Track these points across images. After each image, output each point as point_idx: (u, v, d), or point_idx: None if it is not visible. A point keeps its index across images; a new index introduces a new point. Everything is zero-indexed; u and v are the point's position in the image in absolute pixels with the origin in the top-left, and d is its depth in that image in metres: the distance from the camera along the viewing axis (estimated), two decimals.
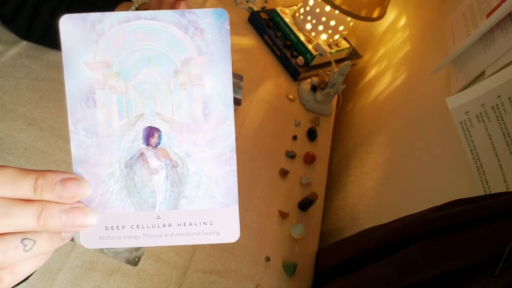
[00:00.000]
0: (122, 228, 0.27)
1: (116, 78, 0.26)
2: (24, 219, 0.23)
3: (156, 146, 0.27)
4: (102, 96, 0.26)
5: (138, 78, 0.26)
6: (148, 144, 0.27)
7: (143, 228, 0.27)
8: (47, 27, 0.70)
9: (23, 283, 0.33)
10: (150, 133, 0.27)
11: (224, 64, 0.26)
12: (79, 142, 0.26)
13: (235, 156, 0.27)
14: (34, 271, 0.33)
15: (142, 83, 0.26)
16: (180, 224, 0.27)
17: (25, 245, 0.23)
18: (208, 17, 0.26)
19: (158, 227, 0.27)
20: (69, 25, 0.25)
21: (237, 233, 0.28)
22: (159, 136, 0.27)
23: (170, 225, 0.27)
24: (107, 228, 0.27)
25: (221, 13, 0.26)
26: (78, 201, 0.25)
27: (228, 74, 0.27)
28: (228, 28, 0.26)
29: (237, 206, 0.28)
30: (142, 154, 0.27)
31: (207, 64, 0.26)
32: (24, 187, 0.23)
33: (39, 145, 0.65)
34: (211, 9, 0.26)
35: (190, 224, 0.27)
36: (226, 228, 0.28)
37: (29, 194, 0.23)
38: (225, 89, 0.27)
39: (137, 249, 0.64)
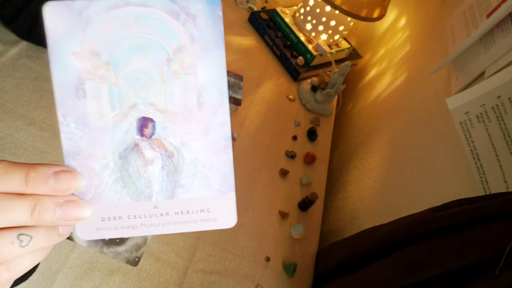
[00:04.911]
0: (119, 218, 0.26)
1: (106, 68, 0.25)
2: (17, 213, 0.22)
3: (151, 136, 0.26)
4: (92, 86, 0.25)
5: (129, 67, 0.25)
6: (142, 134, 0.26)
7: (140, 218, 0.27)
8: None
9: (23, 283, 0.33)
10: (144, 123, 0.26)
11: (217, 52, 0.26)
12: (70, 134, 0.25)
13: (230, 144, 0.27)
14: (34, 271, 0.33)
15: (133, 72, 0.25)
16: (177, 213, 0.27)
17: (21, 241, 0.23)
18: (200, 3, 0.25)
19: (156, 216, 0.27)
20: (54, 13, 0.24)
21: (234, 218, 0.28)
22: (153, 126, 0.26)
23: (167, 214, 0.27)
24: (103, 219, 0.26)
25: None
26: (72, 194, 0.25)
27: (222, 62, 0.26)
28: (221, 14, 0.25)
29: (233, 193, 0.28)
30: (136, 145, 0.26)
31: (200, 52, 0.26)
32: (15, 180, 0.22)
33: (39, 145, 0.65)
34: None
35: (188, 212, 0.27)
36: (223, 214, 0.28)
37: (21, 188, 0.23)
38: (219, 77, 0.26)
39: (137, 249, 0.64)
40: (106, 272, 0.60)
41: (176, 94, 0.26)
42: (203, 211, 0.27)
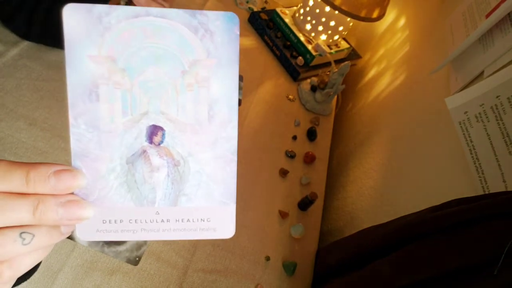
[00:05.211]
0: (120, 222, 0.27)
1: (122, 74, 0.26)
2: (20, 213, 0.22)
3: (159, 144, 0.27)
4: (106, 91, 0.25)
5: (144, 76, 0.26)
6: (151, 142, 0.27)
7: (141, 222, 0.27)
8: (45, 25, 0.70)
9: (24, 283, 0.33)
10: (154, 131, 0.27)
11: (231, 69, 0.27)
12: (80, 136, 0.26)
13: (236, 158, 0.28)
14: (36, 270, 0.33)
15: (148, 81, 0.26)
16: (178, 220, 0.28)
17: (24, 239, 0.23)
18: (218, 20, 0.26)
19: (157, 222, 0.27)
20: (74, 15, 0.24)
21: (232, 229, 0.29)
22: (163, 135, 0.27)
23: (168, 220, 0.28)
24: (104, 221, 0.27)
25: (232, 17, 0.26)
26: (75, 195, 0.25)
27: (235, 78, 0.27)
28: (238, 33, 0.26)
29: (234, 205, 0.28)
30: (144, 151, 0.27)
31: (215, 67, 0.26)
32: (15, 180, 0.22)
33: (40, 145, 0.66)
34: (222, 12, 0.26)
35: (188, 220, 0.28)
36: (222, 225, 0.28)
37: (21, 188, 0.23)
38: (231, 93, 0.27)
39: (138, 248, 0.64)
40: (106, 272, 0.60)
41: (188, 106, 0.27)
42: (204, 220, 0.28)
